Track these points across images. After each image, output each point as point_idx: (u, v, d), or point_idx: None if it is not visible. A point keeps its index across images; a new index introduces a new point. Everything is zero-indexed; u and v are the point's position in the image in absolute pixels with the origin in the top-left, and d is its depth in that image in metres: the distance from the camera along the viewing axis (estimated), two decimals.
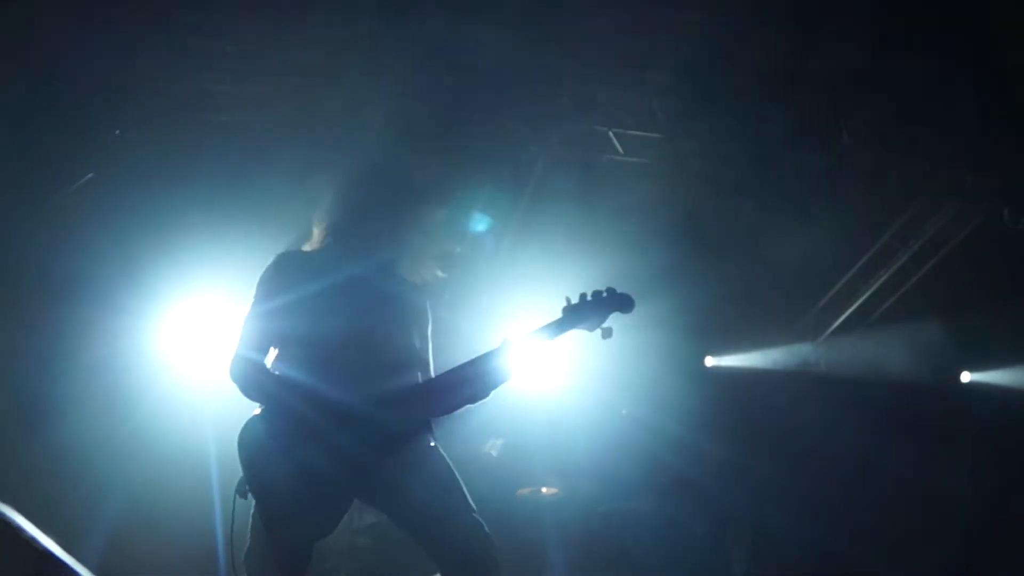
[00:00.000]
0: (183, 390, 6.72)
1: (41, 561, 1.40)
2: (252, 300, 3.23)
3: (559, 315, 3.38)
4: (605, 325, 3.44)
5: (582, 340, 3.44)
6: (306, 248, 3.42)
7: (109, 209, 6.23)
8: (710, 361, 9.54)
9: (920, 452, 8.94)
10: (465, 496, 3.16)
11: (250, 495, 3.05)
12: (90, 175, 6.06)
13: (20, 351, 6.23)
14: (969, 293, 8.27)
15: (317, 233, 3.41)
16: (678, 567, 6.65)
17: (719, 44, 6.44)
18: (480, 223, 7.03)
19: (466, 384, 3.21)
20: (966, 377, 9.83)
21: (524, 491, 7.30)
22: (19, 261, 6.05)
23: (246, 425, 3.08)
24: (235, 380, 3.12)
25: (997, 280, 7.99)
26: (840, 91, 6.93)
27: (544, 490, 7.32)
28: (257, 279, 3.26)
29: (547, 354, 3.65)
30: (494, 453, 7.30)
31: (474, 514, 3.12)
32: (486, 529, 3.11)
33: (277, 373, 3.16)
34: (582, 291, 3.40)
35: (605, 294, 3.42)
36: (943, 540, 8.13)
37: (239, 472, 3.07)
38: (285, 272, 3.26)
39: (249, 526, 3.07)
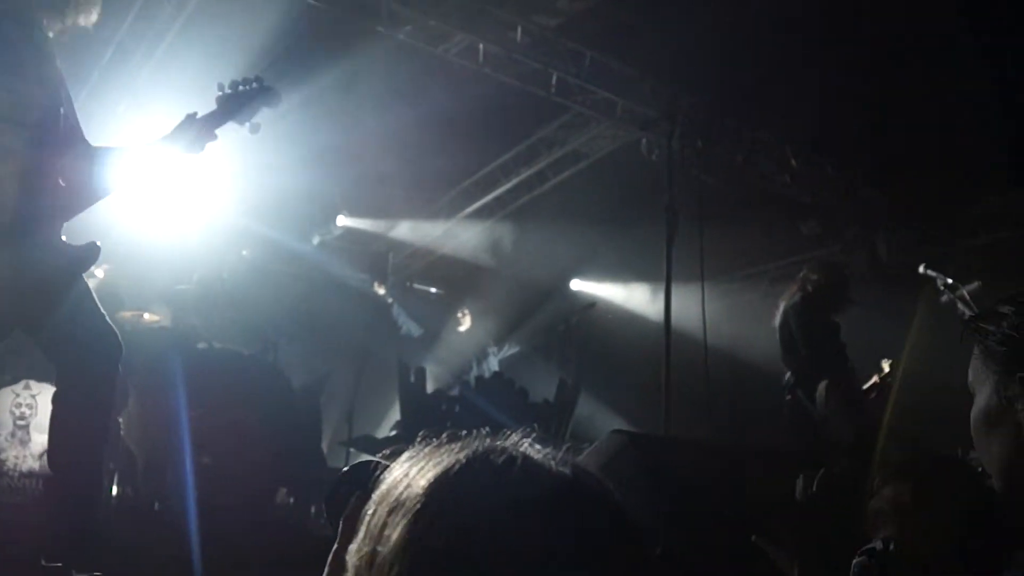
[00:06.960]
0: None
1: None
2: None
3: (215, 106, 3.37)
4: (255, 120, 3.44)
5: None
6: None
7: None
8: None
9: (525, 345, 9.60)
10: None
11: None
12: None
13: None
14: (594, 209, 8.74)
15: None
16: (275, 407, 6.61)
17: None
18: None
19: None
20: (576, 284, 10.67)
21: (126, 314, 6.94)
22: None
23: None
24: None
25: (621, 202, 8.47)
26: None
27: (146, 316, 7.00)
28: None
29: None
30: (100, 275, 6.83)
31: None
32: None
33: None
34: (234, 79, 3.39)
35: (254, 85, 3.41)
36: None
37: None
38: None
39: None
